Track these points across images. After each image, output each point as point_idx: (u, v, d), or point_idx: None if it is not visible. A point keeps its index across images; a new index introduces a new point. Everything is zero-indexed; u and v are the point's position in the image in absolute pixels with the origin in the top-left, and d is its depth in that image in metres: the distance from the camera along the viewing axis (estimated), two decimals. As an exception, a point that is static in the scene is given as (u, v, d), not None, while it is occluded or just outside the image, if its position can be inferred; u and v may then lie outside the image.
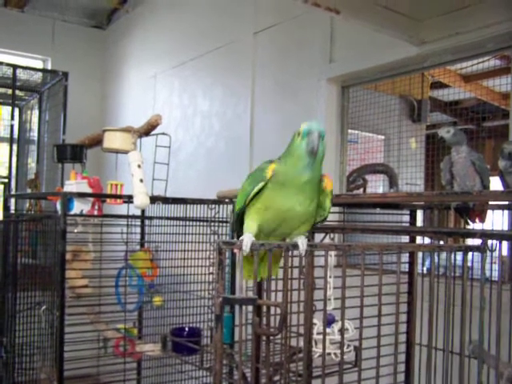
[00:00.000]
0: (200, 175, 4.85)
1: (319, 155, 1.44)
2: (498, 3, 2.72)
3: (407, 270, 2.54)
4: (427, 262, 3.45)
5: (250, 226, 1.54)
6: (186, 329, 3.44)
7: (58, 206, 3.04)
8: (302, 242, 1.49)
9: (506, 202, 2.32)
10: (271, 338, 2.18)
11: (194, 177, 4.90)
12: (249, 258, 1.60)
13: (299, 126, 1.49)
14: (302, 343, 1.64)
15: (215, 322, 1.19)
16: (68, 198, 3.04)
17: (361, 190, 4.23)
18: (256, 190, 1.51)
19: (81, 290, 3.45)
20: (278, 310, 1.41)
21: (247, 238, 1.44)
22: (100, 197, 3.24)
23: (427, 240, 2.47)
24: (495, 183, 2.45)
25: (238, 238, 1.70)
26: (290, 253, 1.58)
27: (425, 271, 3.27)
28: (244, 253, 1.40)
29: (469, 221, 2.38)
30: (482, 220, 2.31)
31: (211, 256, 3.27)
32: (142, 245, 3.83)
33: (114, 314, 3.47)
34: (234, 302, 1.23)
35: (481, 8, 2.78)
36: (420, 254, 3.26)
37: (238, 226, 1.67)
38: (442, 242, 1.95)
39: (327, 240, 2.13)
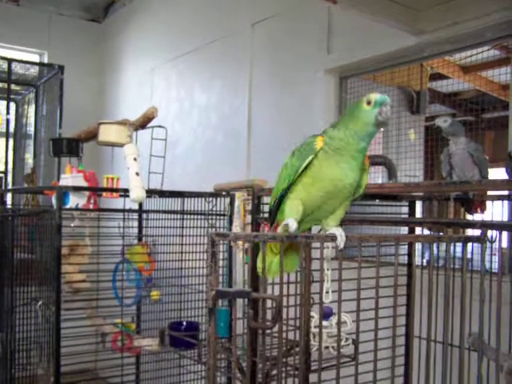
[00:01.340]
0: (197, 168, 4.82)
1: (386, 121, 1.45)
2: (496, -9, 2.69)
3: (406, 262, 2.52)
4: (427, 254, 3.43)
5: (295, 208, 1.52)
6: (184, 323, 3.42)
7: (54, 201, 3.02)
8: (340, 234, 1.46)
9: (506, 193, 2.29)
10: (268, 331, 2.16)
11: (192, 170, 4.87)
12: (273, 249, 1.59)
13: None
14: (302, 336, 1.62)
15: (208, 316, 1.17)
16: (63, 192, 3.01)
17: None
18: (306, 162, 1.49)
19: (78, 284, 3.43)
20: (275, 304, 1.39)
21: (291, 222, 1.45)
22: (95, 190, 3.22)
23: (427, 232, 2.45)
24: (494, 174, 2.43)
25: (271, 224, 1.69)
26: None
27: (425, 263, 3.25)
28: (291, 229, 1.42)
29: (469, 212, 2.37)
30: (482, 210, 2.28)
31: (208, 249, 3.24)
32: (139, 239, 3.80)
33: (112, 308, 3.45)
34: (227, 295, 1.20)
35: (479, -4, 2.75)
36: (420, 246, 3.24)
37: (275, 212, 1.64)
38: (441, 234, 1.93)
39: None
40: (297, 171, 1.51)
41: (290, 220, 1.47)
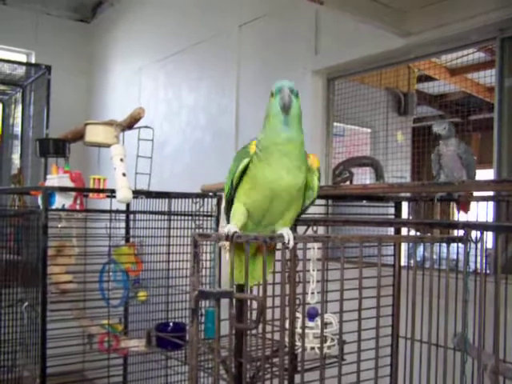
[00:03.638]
0: (186, 169, 4.81)
1: (293, 111, 1.41)
2: (482, -6, 2.71)
3: (392, 263, 2.53)
4: (418, 255, 3.46)
5: (238, 212, 1.49)
6: (171, 324, 3.41)
7: (40, 201, 3.00)
8: (287, 233, 1.44)
9: (491, 193, 2.31)
10: (255, 332, 2.16)
11: (180, 171, 4.86)
12: (241, 255, 1.53)
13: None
14: (283, 337, 1.62)
15: (191, 316, 1.17)
16: (49, 193, 2.99)
17: (347, 183, 4.22)
18: (241, 166, 1.48)
19: (65, 285, 3.41)
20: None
21: (229, 228, 1.39)
22: (82, 191, 3.20)
23: (416, 233, 2.46)
24: (481, 175, 2.46)
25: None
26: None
27: (411, 264, 3.26)
28: (220, 244, 1.36)
29: (455, 211, 2.40)
30: (466, 211, 2.30)
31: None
32: (126, 240, 3.79)
33: (99, 309, 3.43)
34: (210, 295, 1.20)
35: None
36: (407, 247, 3.25)
37: (228, 215, 1.61)
38: (429, 234, 1.94)
39: (310, 232, 2.11)
40: (233, 176, 1.50)
41: (228, 226, 1.43)
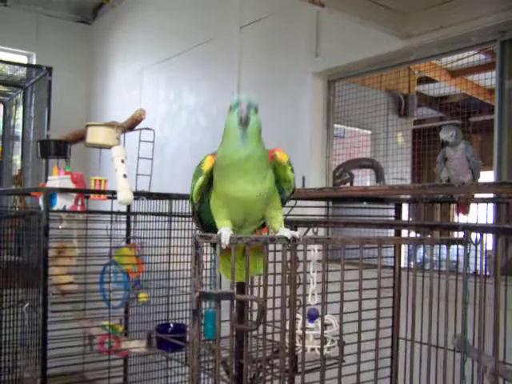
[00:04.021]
0: (186, 171, 4.78)
1: (252, 126, 1.39)
2: (482, -3, 2.72)
3: (392, 264, 2.53)
4: (418, 257, 3.46)
5: (221, 220, 1.47)
6: (171, 325, 3.41)
7: (41, 202, 3.01)
8: (289, 234, 1.43)
9: (491, 195, 2.32)
10: (256, 333, 2.16)
11: (180, 172, 4.86)
12: (227, 256, 1.50)
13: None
14: (283, 339, 1.62)
15: (192, 317, 1.17)
16: (50, 194, 3.00)
17: (347, 184, 4.22)
18: (198, 185, 1.47)
19: (66, 286, 3.41)
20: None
21: (225, 231, 1.38)
22: (83, 192, 3.20)
23: (413, 234, 2.47)
24: (482, 177, 2.46)
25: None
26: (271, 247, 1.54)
27: (412, 265, 3.26)
28: (223, 246, 1.36)
29: (455, 213, 2.40)
30: (465, 212, 2.31)
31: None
32: (127, 241, 3.79)
33: (99, 310, 3.44)
34: (211, 296, 1.20)
35: (465, 2, 2.78)
36: (407, 249, 3.26)
37: (200, 227, 1.62)
38: (429, 236, 1.94)
39: (310, 234, 2.11)
40: (192, 196, 1.50)
41: (224, 229, 1.42)
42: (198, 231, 1.52)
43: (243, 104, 1.37)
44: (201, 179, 1.46)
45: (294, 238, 1.42)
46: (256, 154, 1.40)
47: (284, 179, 1.52)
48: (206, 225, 1.61)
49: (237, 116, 1.37)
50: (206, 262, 3.15)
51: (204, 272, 1.32)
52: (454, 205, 2.40)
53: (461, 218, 2.40)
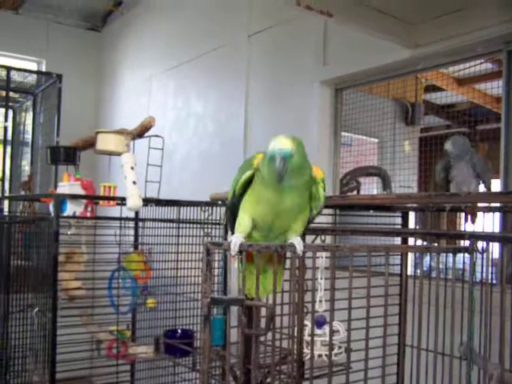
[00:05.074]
0: (194, 177, 4.85)
1: (289, 172, 1.40)
2: (489, 7, 2.74)
3: (399, 272, 2.54)
4: (425, 265, 3.47)
5: (243, 222, 1.50)
6: (179, 331, 3.43)
7: (51, 208, 3.04)
8: (298, 243, 1.45)
9: (498, 204, 2.33)
10: (263, 339, 2.18)
11: (188, 179, 4.90)
12: (251, 267, 1.53)
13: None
14: (292, 345, 1.65)
15: (203, 322, 1.20)
16: (61, 200, 3.03)
17: (354, 192, 4.24)
18: (244, 178, 1.49)
19: (74, 291, 3.44)
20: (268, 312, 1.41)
21: (236, 239, 1.41)
22: (93, 199, 3.24)
23: (420, 242, 2.48)
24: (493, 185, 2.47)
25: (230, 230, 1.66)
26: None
27: (418, 273, 3.28)
28: (232, 253, 1.38)
29: (463, 221, 2.41)
30: (472, 221, 2.32)
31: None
32: (135, 247, 3.82)
33: (107, 316, 3.46)
34: (221, 302, 1.23)
35: (473, 12, 2.80)
36: (414, 257, 3.27)
37: (231, 224, 1.63)
38: (435, 244, 1.96)
39: (318, 242, 2.13)
40: (236, 186, 1.52)
41: (235, 236, 1.44)
42: (205, 238, 1.55)
43: (277, 160, 1.38)
44: (248, 173, 1.49)
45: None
46: (296, 182, 1.43)
47: (314, 196, 1.54)
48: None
49: (273, 169, 1.39)
50: (214, 268, 3.18)
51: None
52: (463, 213, 2.41)
53: (468, 227, 2.41)
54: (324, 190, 1.54)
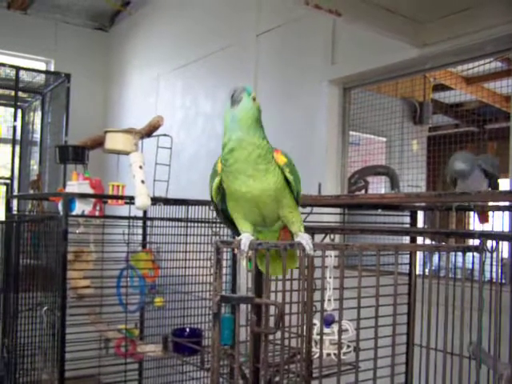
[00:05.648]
0: (202, 177, 4.83)
1: (244, 109, 1.38)
2: (498, 6, 2.73)
3: (408, 271, 2.54)
4: (434, 264, 3.46)
5: (241, 223, 1.50)
6: (187, 329, 3.44)
7: (60, 207, 3.05)
8: (307, 242, 1.44)
9: (507, 203, 2.32)
10: (272, 338, 2.18)
11: (197, 178, 4.90)
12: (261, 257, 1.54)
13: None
14: (301, 343, 1.65)
15: (213, 320, 1.20)
16: (70, 199, 3.05)
17: (362, 191, 4.23)
18: (214, 185, 1.49)
19: (83, 290, 3.46)
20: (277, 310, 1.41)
21: (245, 238, 1.40)
22: (101, 198, 3.25)
23: (429, 241, 2.47)
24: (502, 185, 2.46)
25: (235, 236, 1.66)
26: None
27: (427, 273, 3.27)
28: (243, 253, 1.38)
29: (473, 221, 2.40)
30: (482, 221, 2.31)
31: (212, 257, 3.27)
32: (143, 246, 3.84)
33: (116, 314, 3.48)
34: (231, 300, 1.23)
35: (481, 11, 2.79)
36: (422, 256, 3.26)
37: (229, 225, 1.63)
38: (445, 243, 1.96)
39: (327, 241, 2.13)
40: (211, 196, 1.52)
41: (244, 235, 1.44)
42: (214, 237, 1.56)
43: (239, 87, 1.39)
44: (217, 179, 1.48)
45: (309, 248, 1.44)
46: (248, 139, 1.38)
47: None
48: (232, 222, 1.61)
49: (229, 97, 1.38)
50: (224, 267, 3.19)
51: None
52: (474, 213, 2.40)
53: (480, 226, 2.40)
54: (290, 174, 1.46)
